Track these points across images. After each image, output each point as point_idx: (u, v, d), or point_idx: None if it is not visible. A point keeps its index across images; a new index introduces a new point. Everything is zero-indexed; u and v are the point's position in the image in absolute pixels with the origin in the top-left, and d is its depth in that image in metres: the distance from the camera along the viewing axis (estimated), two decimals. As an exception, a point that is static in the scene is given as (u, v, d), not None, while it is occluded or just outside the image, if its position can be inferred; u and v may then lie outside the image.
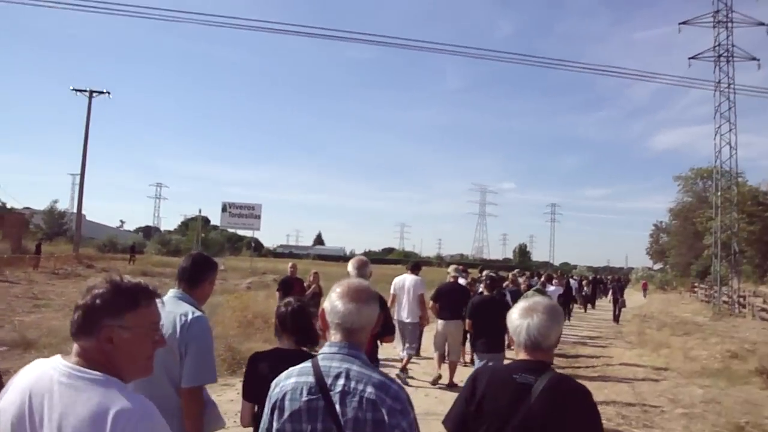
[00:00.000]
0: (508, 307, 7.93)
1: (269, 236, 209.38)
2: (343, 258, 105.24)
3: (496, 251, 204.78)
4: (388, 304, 9.62)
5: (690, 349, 14.98)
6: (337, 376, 1.97)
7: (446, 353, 9.76)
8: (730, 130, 31.97)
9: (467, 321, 8.19)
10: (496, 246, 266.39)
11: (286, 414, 2.00)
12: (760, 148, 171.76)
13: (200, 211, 49.91)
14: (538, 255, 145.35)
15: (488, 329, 7.66)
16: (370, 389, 1.94)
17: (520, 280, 14.50)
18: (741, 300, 30.78)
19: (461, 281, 11.08)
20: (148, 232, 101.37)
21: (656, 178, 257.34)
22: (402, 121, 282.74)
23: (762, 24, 32.65)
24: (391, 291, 9.85)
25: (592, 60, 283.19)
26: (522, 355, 2.44)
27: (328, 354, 2.05)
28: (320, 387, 1.97)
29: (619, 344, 16.13)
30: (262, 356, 3.32)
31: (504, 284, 13.94)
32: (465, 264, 43.47)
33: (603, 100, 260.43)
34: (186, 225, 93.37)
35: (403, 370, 9.67)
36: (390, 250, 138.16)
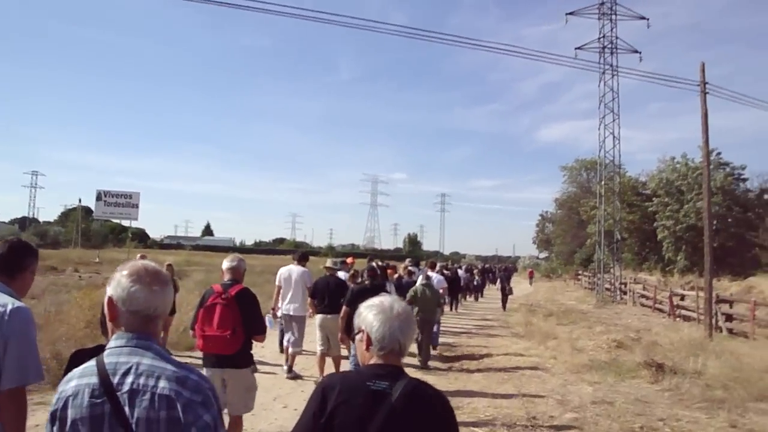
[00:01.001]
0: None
1: (157, 227, 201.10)
2: (233, 249, 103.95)
3: (388, 241, 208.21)
4: (273, 296, 9.47)
5: (576, 339, 14.57)
6: (125, 373, 1.70)
7: (327, 350, 8.99)
8: (614, 120, 32.77)
9: (343, 308, 7.81)
10: (388, 236, 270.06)
11: (68, 425, 1.69)
12: (639, 143, 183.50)
13: (80, 201, 45.78)
14: (428, 244, 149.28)
15: None
16: (163, 383, 1.70)
17: (401, 268, 14.03)
18: (622, 287, 31.62)
19: (341, 274, 10.41)
20: (24, 223, 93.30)
21: (543, 170, 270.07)
22: (295, 112, 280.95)
23: (643, 18, 33.67)
24: (276, 282, 9.38)
25: (483, 55, 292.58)
26: (375, 360, 2.19)
27: (115, 348, 1.78)
28: (105, 388, 1.69)
29: (506, 336, 15.44)
30: (83, 354, 2.54)
31: (395, 275, 13.65)
32: (355, 254, 42.98)
33: (493, 94, 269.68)
34: (66, 216, 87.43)
35: (290, 369, 9.27)
36: (281, 241, 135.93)
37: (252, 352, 5.28)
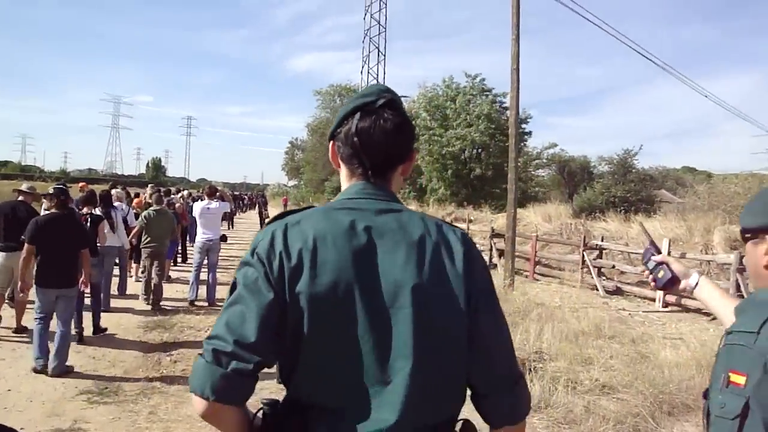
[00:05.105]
0: (82, 229, 6.82)
1: None
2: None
3: (130, 166, 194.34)
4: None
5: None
6: None
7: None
8: (380, 33, 29.73)
9: (26, 246, 6.08)
10: (130, 160, 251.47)
11: None
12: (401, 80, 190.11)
13: None
14: (174, 170, 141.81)
15: (57, 256, 5.99)
16: None
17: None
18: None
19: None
20: None
21: (293, 99, 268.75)
22: (24, 19, 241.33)
23: None
24: None
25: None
26: None
27: None
28: None
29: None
30: None
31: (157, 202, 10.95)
32: (94, 180, 36.14)
33: (245, 18, 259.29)
34: None
35: None
36: (5, 164, 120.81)
37: None
